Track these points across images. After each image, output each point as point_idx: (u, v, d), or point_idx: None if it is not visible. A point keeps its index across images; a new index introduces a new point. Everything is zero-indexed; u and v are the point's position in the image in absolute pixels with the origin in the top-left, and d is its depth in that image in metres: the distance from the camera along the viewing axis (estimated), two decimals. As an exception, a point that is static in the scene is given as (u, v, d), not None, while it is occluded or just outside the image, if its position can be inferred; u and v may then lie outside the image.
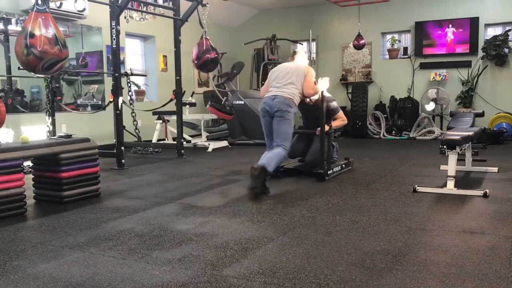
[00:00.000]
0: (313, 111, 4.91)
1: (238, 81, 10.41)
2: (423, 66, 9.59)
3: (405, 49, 9.80)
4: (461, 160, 4.85)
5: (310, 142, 5.11)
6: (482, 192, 3.89)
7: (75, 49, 7.34)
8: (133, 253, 2.61)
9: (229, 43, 10.74)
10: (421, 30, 9.52)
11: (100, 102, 7.65)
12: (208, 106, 7.61)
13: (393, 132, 9.30)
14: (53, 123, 6.12)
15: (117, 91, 5.70)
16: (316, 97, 4.70)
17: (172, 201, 3.92)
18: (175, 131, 7.06)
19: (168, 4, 6.67)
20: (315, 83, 4.56)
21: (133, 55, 8.84)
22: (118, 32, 5.63)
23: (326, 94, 4.83)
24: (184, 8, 6.74)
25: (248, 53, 10.64)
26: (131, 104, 7.38)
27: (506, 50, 8.80)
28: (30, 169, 4.22)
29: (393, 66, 9.91)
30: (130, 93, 7.55)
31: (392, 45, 9.87)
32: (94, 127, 7.40)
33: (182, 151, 6.79)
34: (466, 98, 9.13)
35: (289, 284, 2.15)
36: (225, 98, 7.98)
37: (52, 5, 5.60)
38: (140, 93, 8.69)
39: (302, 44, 10.67)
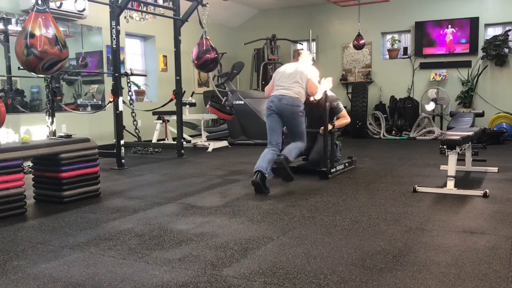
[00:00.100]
0: (316, 110, 4.96)
1: (238, 81, 10.41)
2: (423, 66, 9.59)
3: (405, 49, 9.80)
4: (461, 160, 4.85)
5: (313, 140, 5.17)
6: (482, 192, 3.89)
7: (75, 49, 7.34)
8: (133, 253, 2.61)
9: (229, 43, 10.74)
10: (421, 30, 9.52)
11: (100, 102, 7.65)
12: (208, 106, 7.61)
13: (393, 132, 9.30)
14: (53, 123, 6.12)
15: (117, 91, 5.70)
16: (320, 96, 4.77)
17: (172, 201, 3.92)
18: (175, 131, 7.06)
19: (168, 4, 6.67)
20: (319, 83, 4.68)
21: (133, 55, 8.84)
22: (118, 32, 5.63)
23: (330, 93, 4.92)
24: (184, 8, 6.74)
25: (248, 53, 10.64)
26: (131, 104, 7.38)
27: (506, 50, 8.80)
28: (30, 169, 4.23)
29: (393, 66, 9.91)
30: (130, 93, 7.56)
31: (392, 45, 9.87)
32: (94, 127, 7.40)
33: (182, 151, 6.79)
34: (466, 98, 9.13)
35: (289, 284, 2.15)
36: (225, 98, 7.98)
37: (52, 5, 5.61)
38: (140, 93, 8.69)
39: (302, 44, 10.68)
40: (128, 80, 7.49)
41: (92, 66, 7.69)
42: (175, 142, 7.05)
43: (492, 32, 9.16)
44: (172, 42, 6.76)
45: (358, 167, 5.57)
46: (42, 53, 3.80)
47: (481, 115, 6.80)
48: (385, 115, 9.61)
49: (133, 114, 7.37)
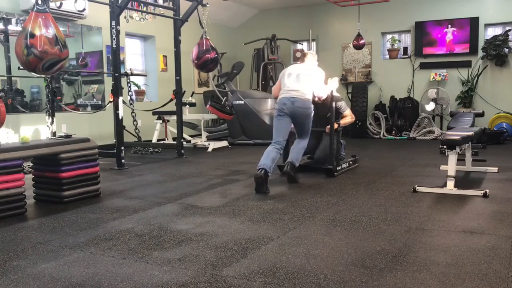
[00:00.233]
0: (321, 110, 5.05)
1: (238, 81, 10.41)
2: (423, 66, 9.59)
3: (405, 49, 9.80)
4: (461, 160, 4.85)
5: (319, 139, 5.31)
6: (482, 192, 3.89)
7: (75, 49, 7.34)
8: (133, 253, 2.61)
9: (229, 43, 10.74)
10: (421, 30, 9.52)
11: (100, 102, 7.65)
12: (208, 106, 7.61)
13: (393, 132, 9.30)
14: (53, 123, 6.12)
15: (117, 91, 5.70)
16: (324, 96, 4.89)
17: (172, 201, 3.92)
18: (175, 131, 7.06)
19: (168, 4, 6.67)
20: (325, 83, 4.86)
21: (133, 55, 8.84)
22: (118, 32, 5.63)
23: (334, 93, 5.05)
24: (184, 8, 6.74)
25: (248, 53, 10.64)
26: (131, 104, 7.38)
27: (506, 50, 8.80)
28: (30, 169, 4.23)
29: (393, 66, 9.91)
30: (130, 93, 7.56)
31: (392, 45, 9.87)
32: (94, 127, 7.40)
33: (182, 151, 6.79)
34: (466, 98, 9.13)
35: (289, 284, 2.15)
36: (225, 98, 7.98)
37: (52, 5, 5.61)
38: (140, 93, 8.69)
39: (302, 44, 10.68)
40: (128, 80, 7.49)
41: (92, 66, 7.69)
42: (175, 142, 7.05)
43: (492, 32, 9.16)
44: (172, 42, 6.76)
45: (358, 167, 5.58)
46: (42, 53, 3.79)
47: (481, 115, 6.80)
48: (385, 115, 9.61)
49: (133, 114, 7.37)
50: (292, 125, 4.68)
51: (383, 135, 9.27)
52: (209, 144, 7.67)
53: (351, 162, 5.48)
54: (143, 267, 2.40)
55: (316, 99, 4.86)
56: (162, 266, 2.40)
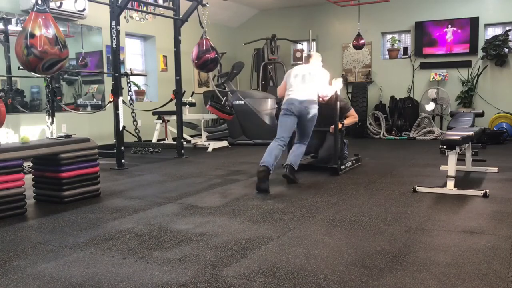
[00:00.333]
0: (325, 110, 5.11)
1: (238, 81, 10.41)
2: (423, 66, 9.59)
3: (405, 49, 9.80)
4: (461, 160, 4.85)
5: (323, 139, 5.43)
6: (482, 192, 3.89)
7: (75, 49, 7.34)
8: (133, 253, 2.61)
9: (229, 43, 10.74)
10: (421, 30, 9.52)
11: (100, 102, 7.65)
12: (208, 106, 7.61)
13: (393, 132, 9.30)
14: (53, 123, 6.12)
15: (117, 91, 5.70)
16: (329, 96, 4.97)
17: (172, 201, 3.92)
18: (175, 131, 7.06)
19: (168, 4, 6.67)
20: (329, 84, 4.92)
21: (133, 55, 8.84)
22: (118, 32, 5.63)
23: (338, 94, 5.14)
24: (184, 8, 6.74)
25: (248, 53, 10.64)
26: (131, 104, 7.38)
27: (506, 50, 8.80)
28: (30, 169, 4.23)
29: (393, 66, 9.91)
30: (130, 93, 7.56)
31: (392, 45, 9.87)
32: (94, 127, 7.40)
33: (182, 151, 6.79)
34: (466, 98, 9.13)
35: (289, 284, 2.15)
36: (225, 98, 7.98)
37: (52, 5, 5.61)
38: (140, 93, 8.69)
39: (302, 44, 10.69)
40: (128, 80, 7.49)
41: (92, 66, 7.69)
42: (175, 142, 7.05)
43: (492, 32, 9.16)
44: (172, 42, 6.76)
45: (358, 167, 5.58)
46: (42, 53, 3.79)
47: (481, 115, 6.80)
48: (385, 115, 9.61)
49: (133, 114, 7.37)
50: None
51: (383, 135, 9.27)
52: (209, 144, 7.67)
53: (354, 161, 5.59)
54: (143, 267, 2.40)
55: (320, 99, 4.93)
56: (162, 266, 2.40)
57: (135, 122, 7.40)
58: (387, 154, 6.83)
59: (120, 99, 5.73)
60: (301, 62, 10.10)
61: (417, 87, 9.67)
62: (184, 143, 7.14)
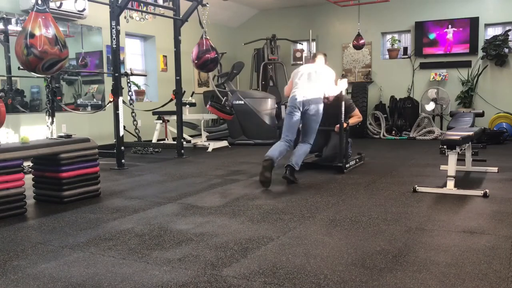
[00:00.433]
0: (330, 109, 5.17)
1: (238, 81, 10.41)
2: (423, 66, 9.59)
3: (405, 49, 9.80)
4: (461, 160, 4.85)
5: (327, 138, 5.54)
6: (482, 192, 3.89)
7: (75, 49, 7.34)
8: (133, 253, 2.61)
9: (229, 43, 10.74)
10: (421, 30, 9.52)
11: (100, 102, 7.65)
12: (208, 106, 7.61)
13: (393, 132, 9.30)
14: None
15: (117, 91, 5.70)
16: (334, 95, 5.05)
17: (172, 201, 3.92)
18: (175, 131, 7.06)
19: (168, 4, 6.67)
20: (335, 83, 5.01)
21: (133, 55, 8.84)
22: (118, 32, 5.63)
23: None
24: (184, 8, 6.74)
25: (248, 53, 10.64)
26: (131, 104, 7.39)
27: (506, 50, 8.80)
28: (30, 169, 4.22)
29: (393, 66, 9.91)
30: (130, 93, 7.56)
31: (392, 45, 9.87)
32: (94, 127, 7.40)
33: (182, 151, 6.79)
34: (466, 98, 9.13)
35: (289, 284, 2.15)
36: (225, 98, 7.98)
37: (52, 5, 5.61)
38: (140, 93, 8.69)
39: (302, 44, 10.69)
40: (128, 80, 7.49)
41: (92, 66, 7.69)
42: (175, 142, 7.05)
43: (492, 32, 9.16)
44: (172, 42, 6.76)
45: (358, 167, 5.58)
46: (42, 53, 3.79)
47: (481, 115, 6.80)
48: (385, 115, 9.61)
49: (133, 114, 7.37)
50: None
51: (383, 135, 9.27)
52: (209, 144, 7.67)
53: (357, 160, 5.72)
54: (143, 267, 2.40)
55: (326, 100, 5.00)
56: (162, 266, 2.40)
57: (135, 122, 7.40)
58: (387, 154, 6.83)
59: (120, 99, 5.73)
60: (301, 62, 10.13)
61: (417, 87, 9.67)
62: (184, 143, 7.14)
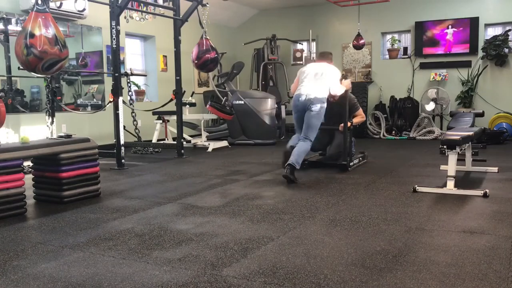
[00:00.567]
0: (335, 108, 5.24)
1: (238, 81, 10.41)
2: (423, 66, 9.59)
3: (405, 49, 9.80)
4: (461, 160, 4.85)
5: (332, 137, 5.61)
6: (482, 192, 3.89)
7: (75, 49, 7.34)
8: (133, 253, 2.61)
9: (229, 43, 10.74)
10: (421, 30, 9.52)
11: (100, 102, 7.65)
12: (208, 106, 7.61)
13: (393, 132, 9.30)
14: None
15: (117, 91, 5.70)
16: (339, 94, 5.11)
17: (172, 201, 3.92)
18: (175, 131, 7.06)
19: (168, 4, 6.67)
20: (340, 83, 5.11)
21: (133, 55, 8.84)
22: (118, 32, 5.63)
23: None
24: (184, 8, 6.74)
25: (248, 53, 10.64)
26: (131, 104, 7.38)
27: (506, 50, 8.80)
28: (30, 169, 4.22)
29: (393, 66, 9.91)
30: (130, 93, 7.56)
31: (392, 45, 9.87)
32: (94, 127, 7.40)
33: (182, 151, 6.79)
34: (466, 98, 9.13)
35: (289, 284, 2.15)
36: (225, 98, 7.98)
37: (52, 5, 5.61)
38: (140, 93, 8.69)
39: (302, 44, 10.68)
40: (128, 80, 7.49)
41: (92, 66, 7.69)
42: (175, 142, 7.05)
43: (492, 32, 9.16)
44: (172, 42, 6.76)
45: (358, 167, 5.58)
46: (42, 53, 3.79)
47: (481, 115, 6.80)
48: (385, 115, 9.61)
49: (133, 114, 7.37)
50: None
51: (383, 135, 9.27)
52: (209, 144, 7.67)
53: (360, 158, 5.83)
54: (143, 267, 2.40)
55: (331, 99, 5.08)
56: (162, 266, 2.40)
57: (135, 122, 7.40)
58: (387, 154, 6.83)
59: (120, 99, 5.73)
60: (301, 62, 10.13)
61: (417, 87, 9.67)
62: (184, 143, 7.14)
